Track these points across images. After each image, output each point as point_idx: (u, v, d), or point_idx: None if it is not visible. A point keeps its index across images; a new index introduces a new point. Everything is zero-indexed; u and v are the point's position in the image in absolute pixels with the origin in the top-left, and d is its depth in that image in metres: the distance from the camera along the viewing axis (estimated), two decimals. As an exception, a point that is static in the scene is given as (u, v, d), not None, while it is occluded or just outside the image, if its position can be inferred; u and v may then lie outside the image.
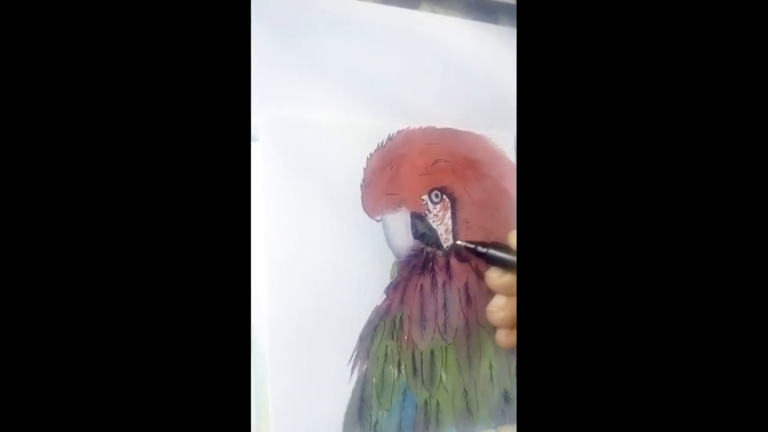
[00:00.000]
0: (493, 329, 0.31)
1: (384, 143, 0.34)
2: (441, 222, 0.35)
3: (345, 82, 0.33)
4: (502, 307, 0.31)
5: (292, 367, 0.30)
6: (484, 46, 0.38)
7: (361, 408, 0.32)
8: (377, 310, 0.33)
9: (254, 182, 0.30)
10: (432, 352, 0.34)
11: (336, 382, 0.31)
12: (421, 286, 0.34)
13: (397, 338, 0.33)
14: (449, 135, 0.35)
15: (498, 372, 0.36)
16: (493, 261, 0.31)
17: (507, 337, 0.31)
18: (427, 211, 0.34)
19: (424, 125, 0.35)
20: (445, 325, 0.34)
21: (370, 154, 0.33)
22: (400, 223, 0.34)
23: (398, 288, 0.33)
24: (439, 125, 0.35)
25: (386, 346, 0.33)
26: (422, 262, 0.34)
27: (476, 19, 0.38)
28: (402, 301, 0.33)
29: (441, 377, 0.34)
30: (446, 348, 0.34)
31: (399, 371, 0.33)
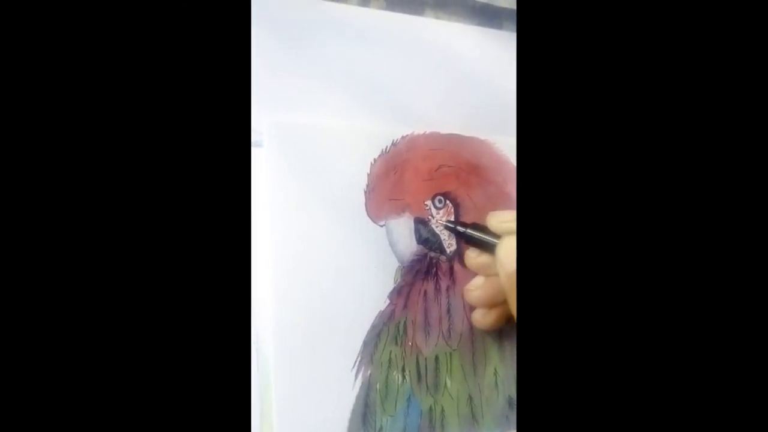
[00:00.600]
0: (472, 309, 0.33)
1: (388, 149, 0.34)
2: (444, 227, 0.34)
3: (349, 87, 0.33)
4: (479, 287, 0.32)
5: (296, 373, 0.30)
6: (488, 51, 0.38)
7: (365, 414, 0.32)
8: (381, 315, 0.33)
9: (258, 187, 0.30)
10: (436, 358, 0.34)
11: (340, 388, 0.31)
12: (425, 292, 0.34)
13: (401, 344, 0.33)
14: (453, 140, 0.35)
15: (503, 378, 0.35)
16: (471, 241, 0.32)
17: (484, 317, 0.32)
18: (430, 216, 0.34)
19: (428, 131, 0.35)
20: (449, 330, 0.34)
21: (374, 160, 0.33)
22: (403, 228, 0.34)
23: (402, 293, 0.33)
24: (443, 131, 0.35)
25: (390, 352, 0.33)
26: (426, 267, 0.34)
27: (480, 24, 0.38)
28: (406, 306, 0.33)
29: (446, 383, 0.34)
30: (451, 354, 0.34)
31: (403, 377, 0.33)
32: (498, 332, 0.35)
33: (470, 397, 0.34)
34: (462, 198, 0.35)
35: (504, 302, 0.31)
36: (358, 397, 0.31)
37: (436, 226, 0.34)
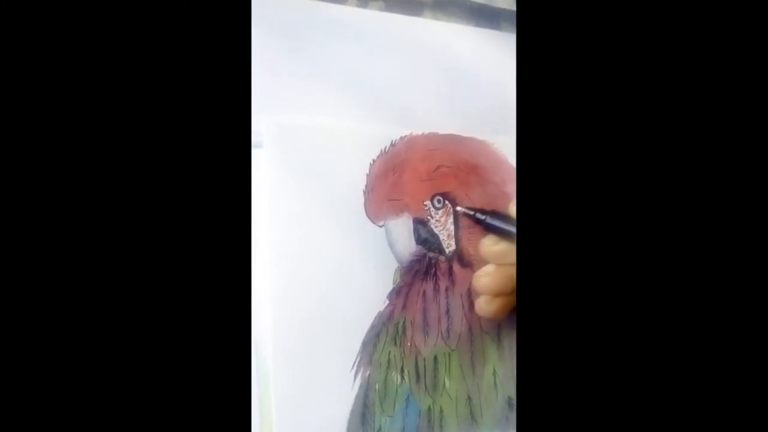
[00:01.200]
0: (477, 296, 0.32)
1: (387, 149, 0.34)
2: (443, 227, 0.35)
3: (348, 88, 0.33)
4: (489, 273, 0.31)
5: (295, 373, 0.30)
6: (487, 52, 0.38)
7: (364, 414, 0.32)
8: (380, 315, 0.33)
9: (258, 188, 0.30)
10: (435, 358, 0.34)
11: (339, 388, 0.31)
12: (424, 292, 0.34)
13: (400, 344, 0.33)
14: (452, 141, 0.36)
15: (502, 378, 0.35)
16: (490, 228, 0.31)
17: (488, 304, 0.31)
18: (429, 217, 0.34)
19: (427, 131, 0.35)
20: (448, 330, 0.34)
21: (373, 160, 0.33)
22: (402, 229, 0.34)
23: (401, 293, 0.33)
24: (442, 131, 0.35)
25: (389, 352, 0.33)
26: (425, 268, 0.34)
27: (478, 25, 0.38)
28: (405, 306, 0.33)
29: (444, 383, 0.34)
30: (449, 354, 0.34)
31: (402, 377, 0.33)
32: (497, 332, 0.35)
33: (469, 398, 0.34)
34: (461, 198, 0.35)
35: (511, 293, 0.31)
36: (357, 398, 0.31)
37: (436, 226, 0.35)
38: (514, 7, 0.39)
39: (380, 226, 0.33)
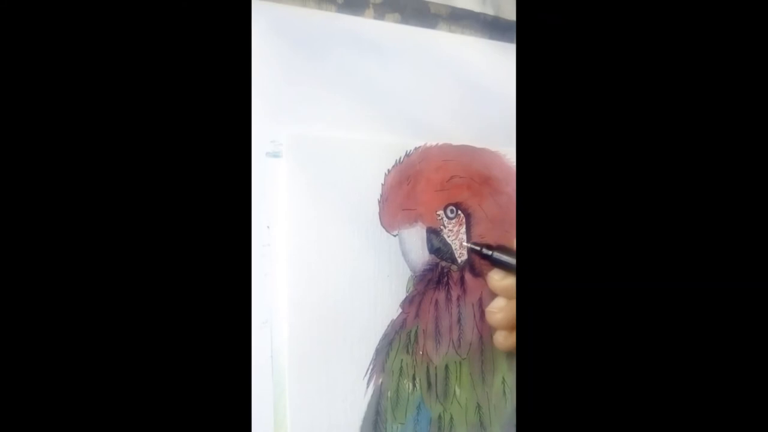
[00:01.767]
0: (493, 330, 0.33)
1: (401, 159, 0.34)
2: (456, 237, 0.35)
3: (365, 99, 0.34)
4: (501, 309, 0.32)
5: (309, 380, 0.30)
6: (500, 64, 0.38)
7: (376, 421, 0.32)
8: (393, 323, 0.33)
9: (275, 197, 0.30)
10: (446, 367, 0.34)
11: (351, 396, 0.31)
12: (436, 301, 0.34)
13: (412, 352, 0.33)
14: (465, 152, 0.36)
15: (511, 387, 0.36)
16: (497, 263, 0.32)
17: (506, 339, 0.32)
18: (442, 227, 0.35)
19: (441, 142, 0.35)
20: (459, 339, 0.34)
21: (388, 170, 0.34)
22: (416, 238, 0.34)
23: (414, 302, 0.34)
24: (456, 142, 0.36)
25: (401, 360, 0.33)
26: (437, 277, 0.34)
27: (492, 38, 0.39)
28: (417, 315, 0.34)
29: (455, 392, 0.34)
30: (460, 363, 0.34)
31: (414, 385, 0.33)
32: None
33: (478, 405, 0.35)
34: (474, 208, 0.35)
35: None
36: (369, 405, 0.32)
37: (448, 236, 0.35)
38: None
39: (394, 236, 0.33)
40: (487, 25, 0.39)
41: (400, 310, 0.33)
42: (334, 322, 0.31)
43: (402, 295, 0.33)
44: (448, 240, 0.35)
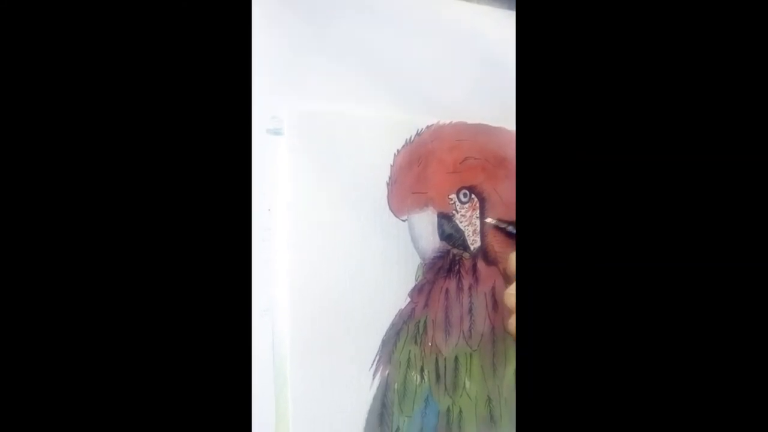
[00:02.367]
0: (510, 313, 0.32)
1: (412, 139, 0.32)
2: (469, 223, 0.33)
3: (372, 74, 0.32)
4: None
5: (312, 371, 0.29)
6: (519, 37, 0.36)
7: (382, 414, 0.31)
8: (401, 313, 0.32)
9: (277, 178, 0.29)
10: (456, 359, 0.33)
11: (357, 388, 0.30)
12: (447, 290, 0.33)
13: (421, 343, 0.32)
14: (480, 131, 0.34)
15: (523, 380, 0.35)
16: None
17: None
18: (454, 211, 0.33)
19: (455, 120, 0.33)
20: (470, 330, 0.33)
21: (398, 150, 0.32)
22: (426, 224, 0.32)
23: (423, 291, 0.32)
24: (470, 120, 0.34)
25: (409, 351, 0.32)
26: (448, 265, 0.33)
27: (511, 8, 0.37)
28: (426, 304, 0.32)
29: (464, 384, 0.33)
30: (471, 354, 0.33)
31: (422, 377, 0.32)
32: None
33: (489, 398, 0.34)
34: (488, 192, 0.34)
35: None
36: (375, 397, 0.31)
37: (461, 221, 0.33)
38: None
39: (403, 221, 0.32)
40: (507, -6, 0.36)
41: (409, 299, 0.32)
42: (338, 312, 0.30)
43: (411, 283, 0.32)
44: (461, 226, 0.33)
